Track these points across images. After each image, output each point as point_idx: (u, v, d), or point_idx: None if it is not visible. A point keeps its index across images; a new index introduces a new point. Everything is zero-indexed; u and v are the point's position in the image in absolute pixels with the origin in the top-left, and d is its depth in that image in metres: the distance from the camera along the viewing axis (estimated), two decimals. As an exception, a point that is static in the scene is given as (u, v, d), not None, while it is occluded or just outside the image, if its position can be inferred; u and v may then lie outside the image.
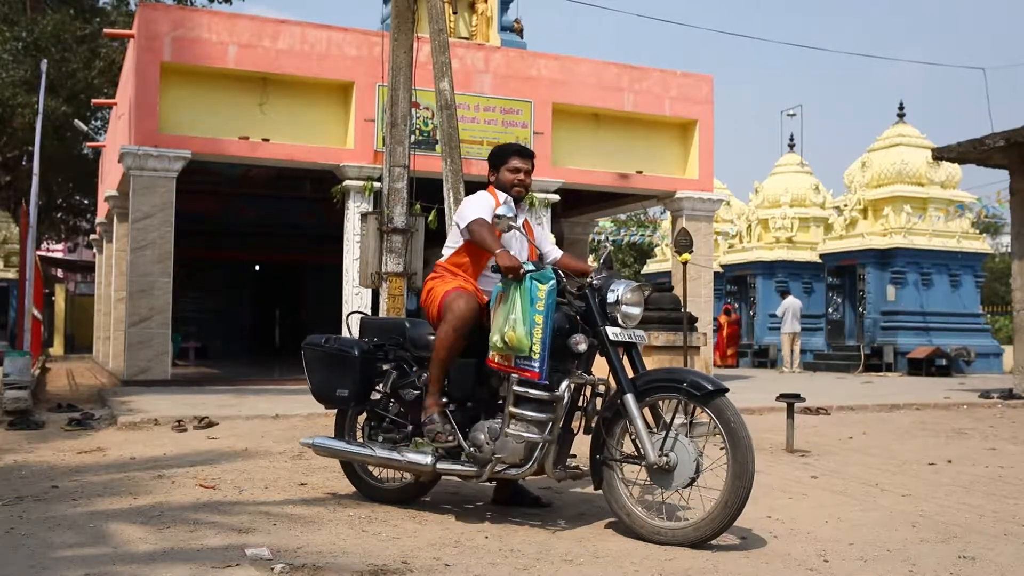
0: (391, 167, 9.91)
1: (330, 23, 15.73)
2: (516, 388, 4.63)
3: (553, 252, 5.54)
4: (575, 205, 20.06)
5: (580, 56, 17.54)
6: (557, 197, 16.93)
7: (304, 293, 27.67)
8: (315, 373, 5.43)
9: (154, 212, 14.27)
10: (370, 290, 12.07)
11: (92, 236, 26.47)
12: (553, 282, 4.64)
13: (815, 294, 25.76)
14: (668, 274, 20.75)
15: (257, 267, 28.02)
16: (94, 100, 23.36)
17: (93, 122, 27.64)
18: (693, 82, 18.06)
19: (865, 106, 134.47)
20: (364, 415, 5.49)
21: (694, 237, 10.81)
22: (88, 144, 25.91)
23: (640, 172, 17.60)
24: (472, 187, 10.78)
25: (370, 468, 5.55)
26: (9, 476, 6.40)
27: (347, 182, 15.36)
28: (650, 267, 31.67)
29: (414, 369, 5.22)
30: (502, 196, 5.32)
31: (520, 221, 5.19)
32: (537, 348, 4.54)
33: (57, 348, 28.61)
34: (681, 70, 18.15)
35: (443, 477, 5.31)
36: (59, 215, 31.30)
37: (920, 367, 21.17)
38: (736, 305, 27.10)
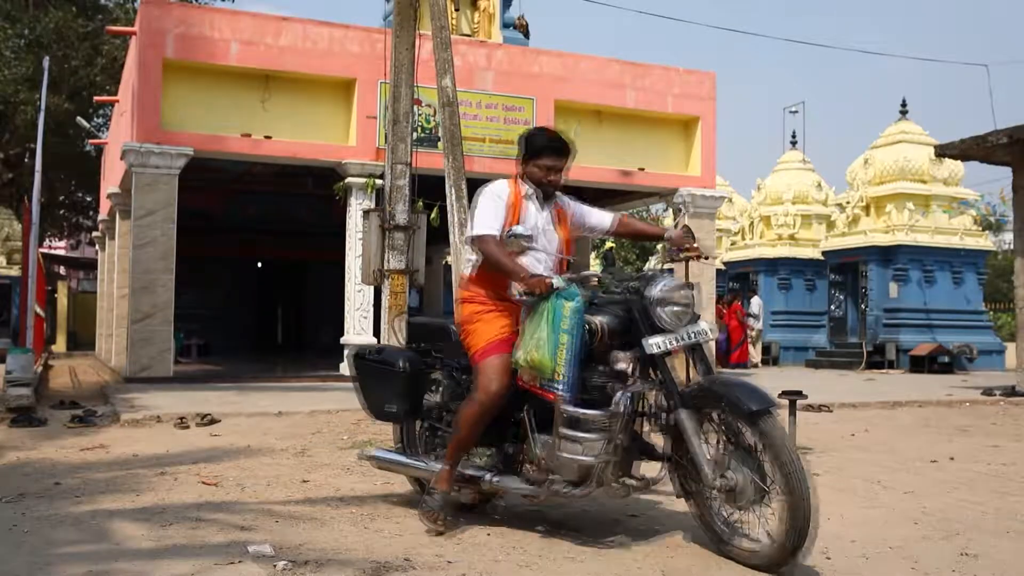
0: (393, 164, 9.90)
1: (332, 20, 15.73)
2: (564, 408, 4.23)
3: (604, 221, 5.05)
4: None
5: (582, 53, 17.55)
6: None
7: (306, 290, 27.69)
8: (364, 387, 5.18)
9: (156, 209, 14.27)
10: (372, 287, 12.06)
11: (95, 233, 26.47)
12: (579, 299, 4.26)
13: (818, 291, 25.72)
14: (670, 271, 20.74)
15: (259, 264, 28.03)
16: (96, 97, 23.37)
17: (95, 119, 27.64)
18: (695, 79, 18.05)
19: (868, 103, 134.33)
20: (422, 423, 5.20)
21: (696, 234, 10.76)
22: (90, 141, 25.91)
23: (642, 169, 17.59)
24: (474, 184, 10.78)
25: None
26: (12, 473, 6.41)
27: (349, 179, 15.36)
28: (652, 264, 31.65)
29: (464, 377, 4.85)
30: (525, 188, 4.76)
31: (547, 212, 4.76)
32: (562, 370, 4.20)
33: (60, 345, 28.57)
34: (683, 67, 18.15)
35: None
36: (62, 212, 31.28)
37: (922, 364, 21.14)
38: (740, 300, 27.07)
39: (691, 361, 4.38)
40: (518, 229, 4.46)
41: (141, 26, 14.62)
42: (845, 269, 23.80)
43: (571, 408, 4.22)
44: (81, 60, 24.64)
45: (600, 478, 4.26)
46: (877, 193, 23.31)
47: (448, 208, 8.86)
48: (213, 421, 9.26)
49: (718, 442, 4.19)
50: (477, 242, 4.59)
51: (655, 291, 4.30)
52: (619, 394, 4.20)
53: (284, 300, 28.76)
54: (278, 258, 27.49)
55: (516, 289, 4.46)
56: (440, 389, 4.94)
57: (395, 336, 5.60)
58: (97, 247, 25.61)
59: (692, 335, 4.32)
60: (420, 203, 10.66)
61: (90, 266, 33.49)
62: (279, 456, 7.22)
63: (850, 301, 23.77)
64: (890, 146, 23.67)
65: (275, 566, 3.95)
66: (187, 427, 8.98)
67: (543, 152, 4.73)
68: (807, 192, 27.01)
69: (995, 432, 9.81)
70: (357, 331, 15.31)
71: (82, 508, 5.16)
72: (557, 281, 4.28)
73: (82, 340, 28.99)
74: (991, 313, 27.50)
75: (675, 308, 4.29)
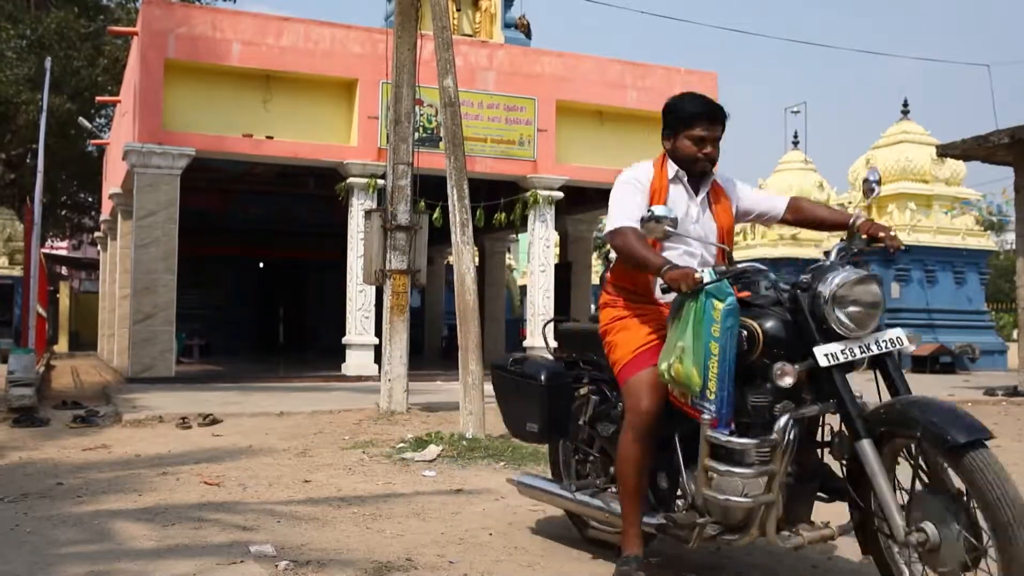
0: (395, 164, 9.91)
1: (334, 20, 15.76)
2: (709, 434, 3.42)
3: (776, 206, 4.12)
4: (579, 202, 20.05)
5: (584, 53, 17.56)
6: (561, 194, 16.93)
7: (308, 290, 27.71)
8: (503, 401, 4.60)
9: (158, 209, 14.28)
10: (374, 287, 12.07)
11: (96, 234, 26.47)
12: (732, 299, 3.40)
13: (819, 291, 25.70)
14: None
15: (261, 265, 28.05)
16: (98, 98, 23.39)
17: (97, 120, 27.65)
18: (697, 79, 18.03)
19: (869, 103, 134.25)
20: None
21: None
22: (92, 142, 25.92)
23: (644, 169, 17.56)
24: (476, 184, 10.83)
25: None
26: (14, 473, 6.41)
27: (351, 179, 15.37)
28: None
29: (614, 394, 4.07)
30: (672, 169, 3.91)
31: (702, 196, 3.92)
32: (714, 386, 3.37)
33: (62, 345, 28.59)
34: (685, 67, 18.15)
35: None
36: (63, 213, 31.29)
37: (924, 364, 21.12)
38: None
39: (877, 377, 3.50)
40: (659, 210, 3.54)
41: (143, 26, 14.64)
42: (847, 269, 23.80)
43: (720, 435, 3.41)
44: (83, 60, 24.66)
45: (762, 524, 3.41)
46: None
47: (450, 208, 8.86)
48: (215, 421, 9.26)
49: (913, 482, 3.27)
50: (611, 237, 3.79)
51: (830, 287, 3.39)
52: (783, 419, 3.37)
53: (286, 300, 28.79)
54: (280, 258, 27.53)
55: (658, 286, 3.69)
56: (589, 407, 4.22)
57: (546, 343, 4.72)
58: (99, 247, 25.62)
59: (879, 344, 3.42)
60: (422, 203, 10.68)
61: (92, 266, 33.50)
62: (281, 456, 7.22)
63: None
64: (892, 146, 23.67)
65: (277, 566, 3.95)
66: (189, 427, 8.98)
67: (694, 120, 3.82)
68: (809, 192, 26.95)
69: (997, 432, 9.76)
70: (359, 331, 15.32)
71: (84, 508, 5.16)
72: (706, 275, 3.41)
73: (84, 340, 29.01)
74: (993, 313, 27.48)
75: (856, 309, 3.40)
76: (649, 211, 3.55)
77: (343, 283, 15.98)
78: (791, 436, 3.37)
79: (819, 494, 3.61)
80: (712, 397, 3.39)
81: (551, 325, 4.82)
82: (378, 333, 12.65)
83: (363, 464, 6.87)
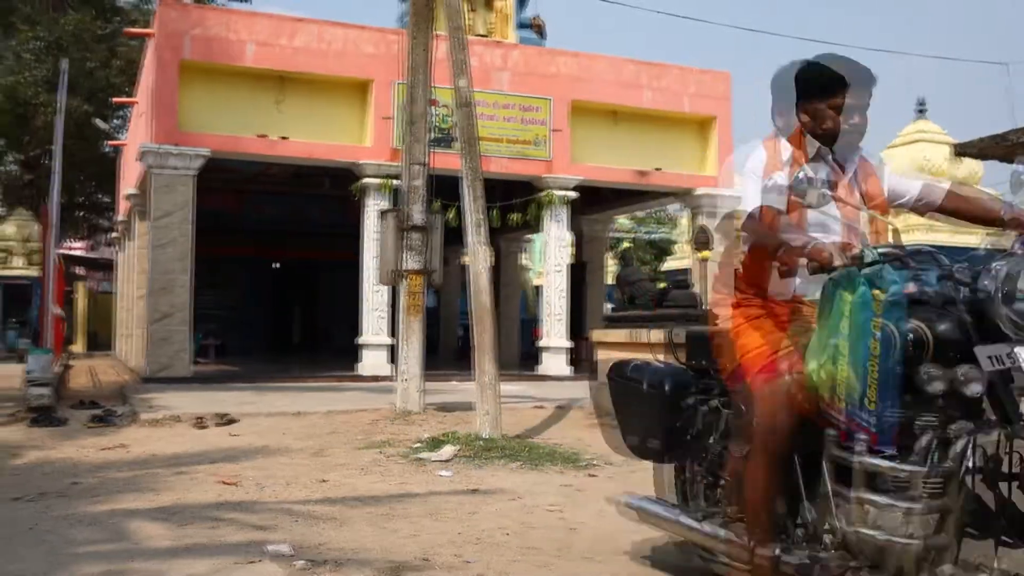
0: (409, 165, 9.91)
1: (348, 21, 15.79)
2: (863, 460, 2.84)
3: (910, 190, 3.52)
4: (594, 202, 20.02)
5: (598, 53, 17.54)
6: (576, 194, 16.90)
7: (322, 291, 27.77)
8: (621, 412, 3.97)
9: (174, 210, 14.33)
10: (389, 287, 12.09)
11: (113, 234, 26.63)
12: (898, 288, 2.82)
13: (835, 291, 25.63)
14: (687, 271, 20.68)
15: (276, 265, 28.13)
16: (114, 99, 23.51)
17: (113, 121, 27.79)
18: (711, 79, 18.00)
19: (885, 102, 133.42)
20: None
21: (713, 234, 10.76)
22: (108, 143, 26.05)
23: (659, 169, 17.54)
24: (491, 185, 10.78)
25: None
26: (32, 472, 6.45)
27: (365, 180, 15.40)
28: (669, 264, 31.60)
29: (748, 408, 3.44)
30: (812, 146, 3.32)
31: (848, 177, 3.34)
32: (874, 394, 2.79)
33: (79, 345, 28.74)
34: (699, 67, 18.12)
35: None
36: (80, 213, 31.45)
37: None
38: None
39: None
40: (809, 169, 2.95)
41: (158, 28, 14.71)
42: (863, 269, 23.71)
43: (878, 460, 2.82)
44: (99, 62, 24.80)
45: (931, 570, 2.78)
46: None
47: (465, 208, 8.86)
48: (231, 421, 9.29)
49: None
50: (745, 225, 3.26)
51: (998, 279, 2.78)
52: (960, 442, 2.74)
53: (300, 301, 28.84)
54: (294, 259, 27.60)
55: (808, 266, 2.99)
56: (718, 422, 3.66)
57: (670, 347, 4.03)
58: (115, 248, 25.76)
59: None
60: (437, 203, 10.68)
61: (108, 267, 33.64)
62: (297, 456, 7.24)
63: (868, 301, 23.65)
64: (908, 145, 23.54)
65: (293, 565, 3.95)
66: (205, 427, 9.01)
67: (839, 87, 3.23)
68: (824, 192, 26.90)
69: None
70: (374, 331, 15.34)
71: (101, 507, 5.18)
72: (868, 253, 2.84)
73: (101, 340, 29.15)
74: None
75: None
76: (801, 170, 2.99)
77: (357, 283, 16.00)
78: (970, 464, 2.74)
79: (1004, 538, 2.82)
80: (872, 408, 2.80)
81: (675, 328, 4.18)
82: (393, 333, 12.68)
83: (379, 464, 6.88)
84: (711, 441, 3.67)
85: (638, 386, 3.82)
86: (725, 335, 3.40)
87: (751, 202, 3.19)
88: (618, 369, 4.00)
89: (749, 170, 3.29)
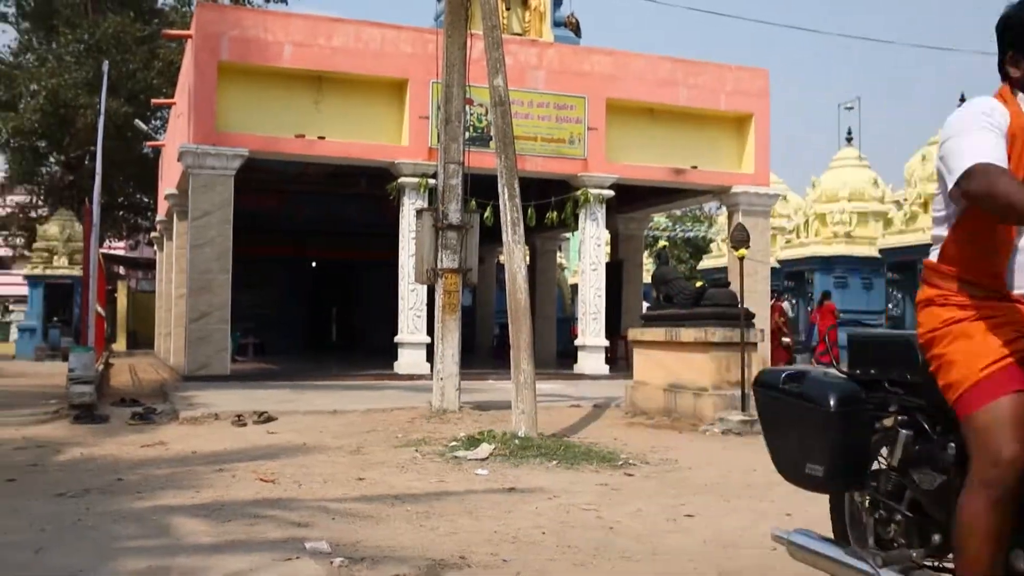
0: (446, 164, 9.94)
1: (384, 21, 15.84)
2: None
3: None
4: (630, 201, 19.96)
5: (634, 51, 17.47)
6: (612, 192, 16.85)
7: (360, 290, 27.93)
8: (772, 430, 3.26)
9: (213, 210, 14.47)
10: (426, 286, 12.12)
11: (153, 234, 26.96)
12: None
13: (874, 290, 25.34)
14: (724, 270, 20.55)
15: (313, 264, 28.33)
16: (154, 100, 23.80)
17: (153, 121, 28.18)
18: (748, 76, 17.86)
19: (926, 98, 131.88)
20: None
21: (750, 232, 10.67)
22: (148, 143, 26.40)
23: (695, 167, 17.44)
24: (526, 183, 10.75)
25: None
26: (76, 469, 6.54)
27: (402, 179, 15.45)
28: (706, 263, 31.45)
29: (937, 429, 2.88)
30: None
31: None
32: None
33: (120, 344, 29.13)
34: (736, 64, 17.98)
35: None
36: (121, 213, 31.91)
37: None
38: (794, 301, 26.75)
39: None
40: None
41: (196, 29, 14.85)
42: (903, 267, 23.41)
43: None
44: (138, 64, 25.14)
45: None
46: (935, 190, 22.90)
47: (501, 207, 8.86)
48: (270, 419, 9.36)
49: None
50: (966, 181, 2.47)
51: None
52: None
53: (338, 300, 29.05)
54: (332, 258, 27.79)
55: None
56: (899, 446, 2.99)
57: (831, 357, 3.44)
58: (155, 247, 26.06)
59: None
60: (473, 202, 10.68)
61: (149, 266, 34.11)
62: (335, 454, 7.28)
63: (908, 299, 23.36)
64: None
65: (332, 563, 3.98)
66: (244, 425, 9.09)
67: None
68: (863, 189, 26.60)
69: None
70: (411, 330, 15.39)
71: (143, 504, 5.24)
72: None
73: (141, 339, 29.52)
74: None
75: None
76: None
77: (394, 282, 16.05)
78: None
79: None
80: None
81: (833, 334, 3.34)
82: (430, 332, 12.70)
83: (416, 462, 6.90)
84: (885, 467, 3.06)
85: (794, 400, 3.10)
86: (931, 341, 2.74)
87: (968, 150, 2.49)
88: (767, 378, 3.28)
89: (969, 114, 2.61)
